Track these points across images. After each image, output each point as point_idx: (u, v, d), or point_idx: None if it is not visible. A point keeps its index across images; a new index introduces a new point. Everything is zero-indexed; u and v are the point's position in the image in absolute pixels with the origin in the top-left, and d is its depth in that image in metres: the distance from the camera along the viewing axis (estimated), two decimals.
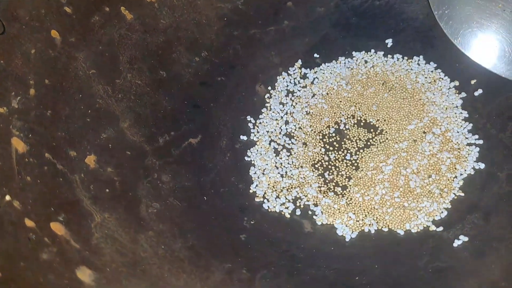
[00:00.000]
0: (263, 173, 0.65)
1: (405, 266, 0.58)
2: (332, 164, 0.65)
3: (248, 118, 0.69)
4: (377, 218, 0.62)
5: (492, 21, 0.64)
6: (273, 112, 0.69)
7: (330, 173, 0.65)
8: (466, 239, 0.58)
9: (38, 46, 0.59)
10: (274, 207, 0.63)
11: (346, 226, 0.62)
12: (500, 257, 0.56)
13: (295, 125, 0.68)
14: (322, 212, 0.63)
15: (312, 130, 0.68)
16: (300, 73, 0.72)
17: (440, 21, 0.66)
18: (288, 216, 0.63)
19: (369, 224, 0.61)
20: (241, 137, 0.68)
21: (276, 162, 0.66)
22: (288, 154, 0.67)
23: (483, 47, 0.65)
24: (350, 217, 0.62)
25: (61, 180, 0.55)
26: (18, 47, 0.57)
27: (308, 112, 0.69)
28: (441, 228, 0.60)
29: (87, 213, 0.55)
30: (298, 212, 0.63)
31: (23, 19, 0.58)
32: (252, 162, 0.66)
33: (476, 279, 0.55)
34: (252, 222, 0.62)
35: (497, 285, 0.54)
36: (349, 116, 0.68)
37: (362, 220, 0.62)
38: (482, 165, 0.62)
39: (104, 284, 0.50)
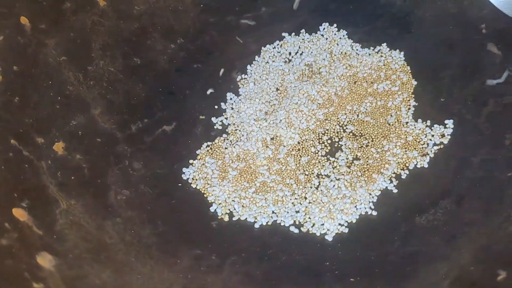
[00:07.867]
0: (236, 161, 0.65)
1: (375, 251, 0.57)
2: (306, 150, 0.65)
3: (224, 106, 0.68)
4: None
5: None
6: (249, 99, 0.69)
7: (308, 162, 0.64)
8: None
9: (7, 32, 0.59)
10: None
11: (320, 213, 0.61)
12: (471, 241, 0.55)
13: (270, 114, 0.68)
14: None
15: (287, 122, 0.67)
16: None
17: None
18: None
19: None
20: (217, 125, 0.67)
21: (251, 150, 0.65)
22: (269, 140, 0.66)
23: None
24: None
25: (26, 167, 0.55)
26: None
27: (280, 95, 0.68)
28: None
29: (52, 199, 0.55)
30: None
31: None
32: (227, 149, 0.66)
33: (446, 263, 0.55)
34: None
35: (466, 268, 0.53)
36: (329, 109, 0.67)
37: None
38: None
39: (65, 270, 0.50)
